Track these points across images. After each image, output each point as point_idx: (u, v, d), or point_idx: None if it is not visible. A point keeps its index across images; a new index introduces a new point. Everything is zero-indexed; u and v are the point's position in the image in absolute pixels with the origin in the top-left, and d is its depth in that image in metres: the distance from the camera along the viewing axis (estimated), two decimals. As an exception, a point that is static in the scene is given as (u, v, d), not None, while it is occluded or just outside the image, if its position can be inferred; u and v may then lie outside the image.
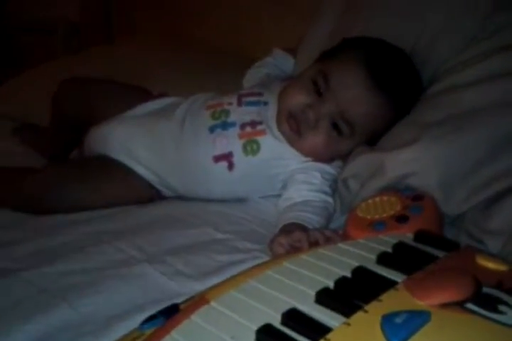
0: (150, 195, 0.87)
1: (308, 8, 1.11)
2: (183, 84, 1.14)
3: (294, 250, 0.60)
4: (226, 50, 1.35)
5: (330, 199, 0.76)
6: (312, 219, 0.70)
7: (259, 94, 0.87)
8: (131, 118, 0.93)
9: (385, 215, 0.60)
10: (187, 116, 0.86)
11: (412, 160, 0.67)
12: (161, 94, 0.99)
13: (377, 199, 0.64)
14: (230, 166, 0.81)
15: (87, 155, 0.96)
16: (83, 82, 1.01)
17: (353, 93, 0.75)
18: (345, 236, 0.61)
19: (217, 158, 0.81)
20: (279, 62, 1.03)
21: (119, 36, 1.78)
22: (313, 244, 0.60)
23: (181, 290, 0.58)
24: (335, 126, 0.76)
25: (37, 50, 1.90)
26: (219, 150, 0.81)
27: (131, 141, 0.88)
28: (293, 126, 0.78)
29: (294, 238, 0.62)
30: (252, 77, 1.01)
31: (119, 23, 1.80)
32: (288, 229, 0.66)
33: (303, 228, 0.67)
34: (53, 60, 1.52)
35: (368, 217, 0.61)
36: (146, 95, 1.00)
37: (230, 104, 0.85)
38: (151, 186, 0.87)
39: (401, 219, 0.58)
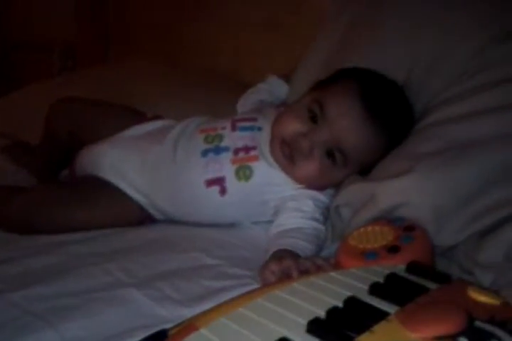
0: (141, 217, 0.86)
1: (304, 36, 1.13)
2: (176, 107, 1.14)
3: (285, 277, 0.60)
4: (221, 74, 1.36)
5: (322, 227, 0.76)
6: (304, 246, 0.70)
7: (254, 120, 0.87)
8: (124, 140, 0.93)
9: (376, 245, 0.60)
10: (180, 140, 0.87)
11: (405, 191, 0.67)
12: (154, 117, 1.00)
13: (370, 228, 0.64)
14: (222, 191, 0.81)
15: (79, 175, 0.96)
16: (76, 102, 1.01)
17: (348, 122, 0.75)
18: (336, 265, 0.61)
19: (209, 183, 0.81)
20: (273, 88, 1.04)
21: (116, 57, 1.79)
22: (304, 272, 0.60)
23: (170, 315, 0.57)
24: (329, 155, 0.76)
25: (33, 68, 1.90)
26: (211, 175, 0.81)
27: (123, 163, 0.88)
28: (286, 153, 0.78)
29: (284, 265, 0.62)
30: (245, 102, 1.01)
31: (116, 44, 1.82)
32: (279, 255, 0.66)
33: (294, 255, 0.67)
34: (49, 78, 1.53)
35: (360, 246, 0.61)
36: (140, 117, 1.00)
37: (224, 128, 0.86)
38: (141, 209, 0.86)
39: (392, 249, 0.58)
